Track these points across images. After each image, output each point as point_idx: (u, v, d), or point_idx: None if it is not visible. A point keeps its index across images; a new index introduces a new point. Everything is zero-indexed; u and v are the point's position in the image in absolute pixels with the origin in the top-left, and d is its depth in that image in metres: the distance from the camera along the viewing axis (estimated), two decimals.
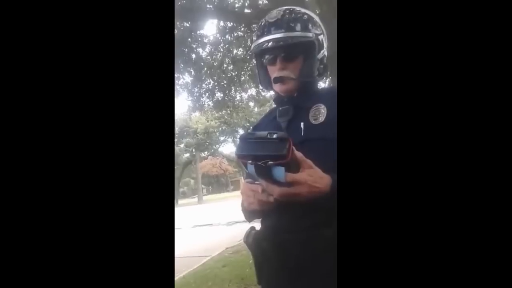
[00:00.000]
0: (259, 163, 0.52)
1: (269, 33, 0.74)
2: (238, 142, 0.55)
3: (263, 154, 0.51)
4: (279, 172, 0.53)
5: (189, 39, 5.18)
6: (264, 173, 0.54)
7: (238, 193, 0.81)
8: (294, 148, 0.54)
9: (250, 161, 0.53)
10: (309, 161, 0.58)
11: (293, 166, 0.56)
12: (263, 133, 0.53)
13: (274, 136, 0.52)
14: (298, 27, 0.74)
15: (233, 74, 6.38)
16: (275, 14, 0.75)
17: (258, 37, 0.76)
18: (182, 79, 6.06)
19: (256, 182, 0.58)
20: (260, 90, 7.10)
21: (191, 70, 5.79)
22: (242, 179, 0.73)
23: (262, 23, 0.77)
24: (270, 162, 0.51)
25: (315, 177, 0.58)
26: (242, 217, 0.82)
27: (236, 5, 5.02)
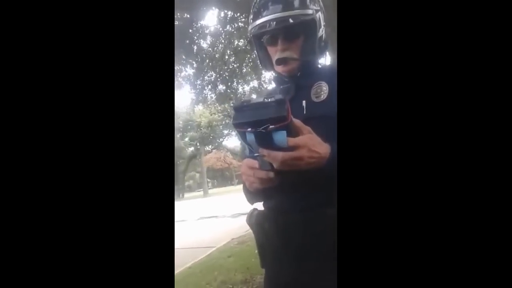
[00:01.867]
0: (260, 129, 0.49)
1: (267, 11, 0.71)
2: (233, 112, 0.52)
3: (262, 119, 0.48)
4: (281, 136, 0.51)
5: (190, 30, 5.14)
6: (265, 140, 0.51)
7: (242, 186, 0.79)
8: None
9: (249, 129, 0.50)
10: (307, 127, 0.57)
11: (293, 131, 0.54)
12: (259, 99, 0.51)
13: (271, 99, 0.49)
14: (297, 3, 0.71)
15: (235, 66, 6.33)
16: None
17: (256, 15, 0.74)
18: (185, 72, 6.03)
19: (256, 154, 0.56)
20: (262, 82, 7.05)
21: (193, 62, 5.76)
22: None
23: (261, 2, 0.74)
24: (271, 126, 0.49)
25: (315, 142, 0.57)
26: (247, 209, 0.80)
27: None
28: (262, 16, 0.72)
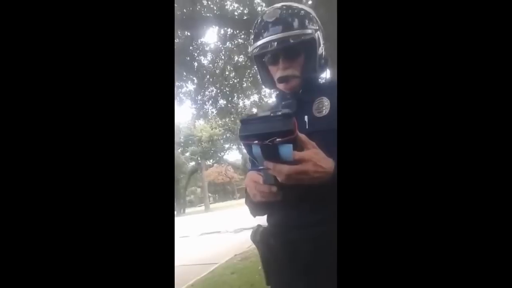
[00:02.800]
0: (266, 142, 0.49)
1: (267, 32, 0.74)
2: (240, 125, 0.53)
3: (269, 132, 0.49)
4: (287, 150, 0.51)
5: (191, 48, 5.24)
6: (271, 153, 0.52)
7: (244, 200, 0.80)
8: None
9: (256, 141, 0.50)
10: (312, 142, 0.58)
11: (298, 145, 0.55)
12: (266, 112, 0.52)
13: (278, 113, 0.50)
14: (296, 24, 0.74)
15: (235, 81, 6.42)
16: (273, 13, 0.75)
17: (257, 37, 0.76)
18: (186, 88, 6.12)
19: (260, 167, 0.56)
20: (262, 96, 7.13)
21: (194, 78, 5.85)
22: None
23: (261, 23, 0.76)
24: (278, 139, 0.49)
25: (320, 157, 0.58)
26: (249, 224, 0.80)
27: (235, 13, 5.08)
28: (263, 37, 0.74)
